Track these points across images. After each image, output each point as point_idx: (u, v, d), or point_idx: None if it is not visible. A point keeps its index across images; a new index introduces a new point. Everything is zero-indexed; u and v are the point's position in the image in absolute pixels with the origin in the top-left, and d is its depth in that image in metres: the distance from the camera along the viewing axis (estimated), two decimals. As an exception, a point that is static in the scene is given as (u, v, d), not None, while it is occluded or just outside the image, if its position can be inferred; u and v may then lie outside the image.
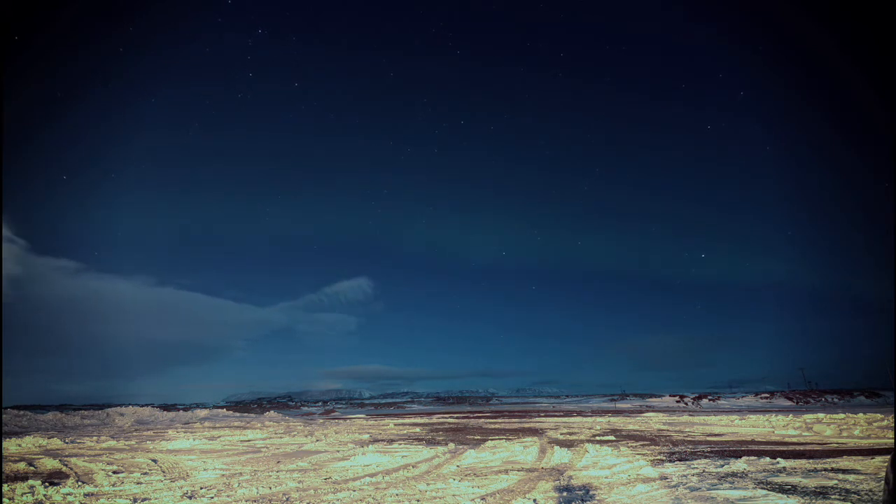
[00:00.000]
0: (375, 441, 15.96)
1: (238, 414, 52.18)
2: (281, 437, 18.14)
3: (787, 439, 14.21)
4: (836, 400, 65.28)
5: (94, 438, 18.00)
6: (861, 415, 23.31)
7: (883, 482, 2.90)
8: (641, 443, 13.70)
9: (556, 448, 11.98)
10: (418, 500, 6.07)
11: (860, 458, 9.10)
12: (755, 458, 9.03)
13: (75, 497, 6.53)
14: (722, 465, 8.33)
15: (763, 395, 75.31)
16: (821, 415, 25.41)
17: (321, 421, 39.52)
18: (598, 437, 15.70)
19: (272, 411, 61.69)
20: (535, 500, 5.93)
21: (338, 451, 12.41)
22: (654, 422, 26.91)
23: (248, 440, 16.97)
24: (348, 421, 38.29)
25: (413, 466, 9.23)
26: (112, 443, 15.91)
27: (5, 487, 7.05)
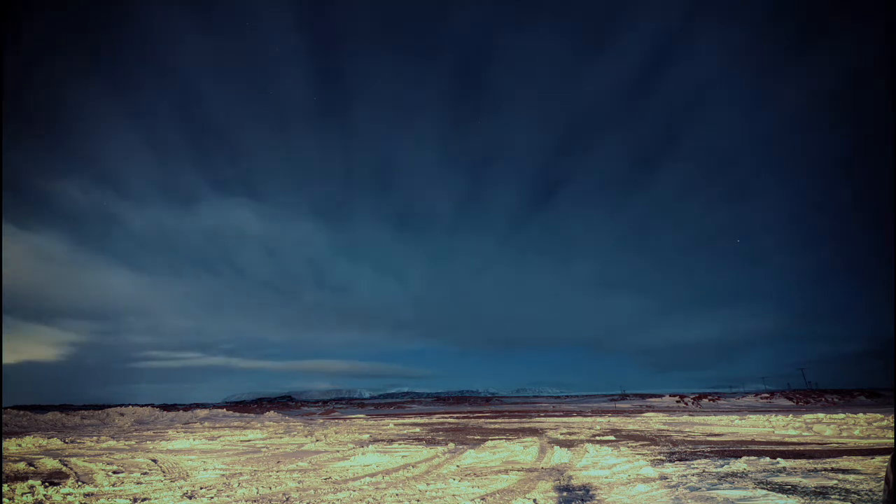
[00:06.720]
0: (375, 441, 15.95)
1: (238, 414, 52.10)
2: (281, 437, 18.13)
3: (787, 439, 14.20)
4: (836, 400, 65.16)
5: (94, 438, 17.98)
6: (861, 415, 23.30)
7: (883, 482, 2.90)
8: (641, 443, 13.69)
9: (556, 448, 11.97)
10: (418, 500, 6.06)
11: (860, 458, 9.09)
12: (755, 458, 9.03)
13: (75, 497, 6.53)
14: (722, 465, 8.32)
15: (763, 395, 75.18)
16: (821, 415, 25.40)
17: (321, 421, 39.48)
18: (598, 437, 15.69)
19: (272, 411, 61.61)
20: (534, 500, 5.92)
21: (338, 451, 12.40)
22: (654, 422, 26.89)
23: (248, 440, 16.96)
24: (348, 421, 38.26)
25: (413, 466, 9.22)
26: (112, 443, 15.90)
27: (5, 487, 7.04)
